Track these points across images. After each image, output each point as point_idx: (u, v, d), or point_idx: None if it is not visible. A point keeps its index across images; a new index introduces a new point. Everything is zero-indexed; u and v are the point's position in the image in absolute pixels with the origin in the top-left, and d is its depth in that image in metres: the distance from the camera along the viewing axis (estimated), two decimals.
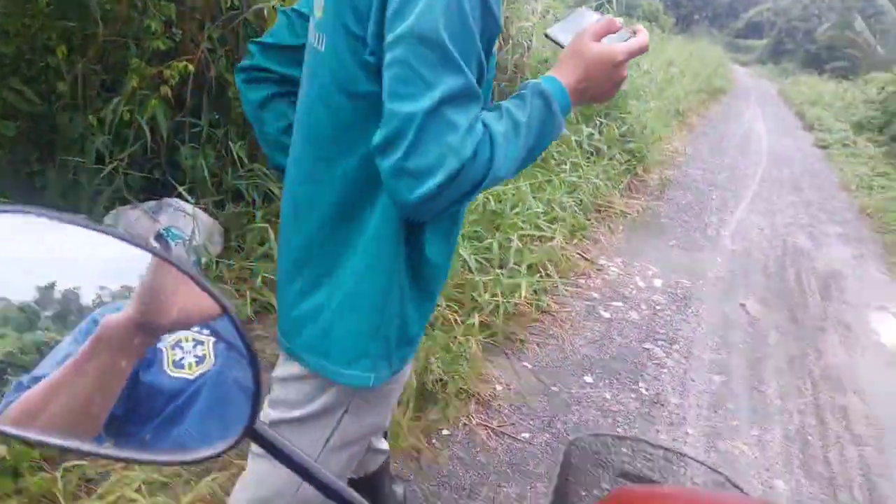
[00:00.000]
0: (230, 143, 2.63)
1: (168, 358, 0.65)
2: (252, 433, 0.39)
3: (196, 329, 0.70)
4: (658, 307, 3.28)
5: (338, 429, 0.89)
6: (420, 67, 0.65)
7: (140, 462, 0.43)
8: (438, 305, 2.48)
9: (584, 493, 0.99)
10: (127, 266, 0.53)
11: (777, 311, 3.48)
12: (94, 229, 0.43)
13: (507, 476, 1.96)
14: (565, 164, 4.10)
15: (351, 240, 0.80)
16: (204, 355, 0.68)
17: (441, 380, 2.16)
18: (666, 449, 1.07)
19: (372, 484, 1.43)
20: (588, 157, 4.62)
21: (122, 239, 0.43)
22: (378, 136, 0.69)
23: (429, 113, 0.65)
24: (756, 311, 3.45)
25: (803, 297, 3.73)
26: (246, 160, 2.66)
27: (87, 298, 0.53)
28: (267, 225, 2.50)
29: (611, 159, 4.85)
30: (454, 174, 0.66)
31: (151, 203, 2.41)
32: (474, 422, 2.14)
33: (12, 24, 2.11)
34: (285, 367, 0.90)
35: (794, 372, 2.89)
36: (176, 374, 0.65)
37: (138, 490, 1.40)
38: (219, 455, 0.40)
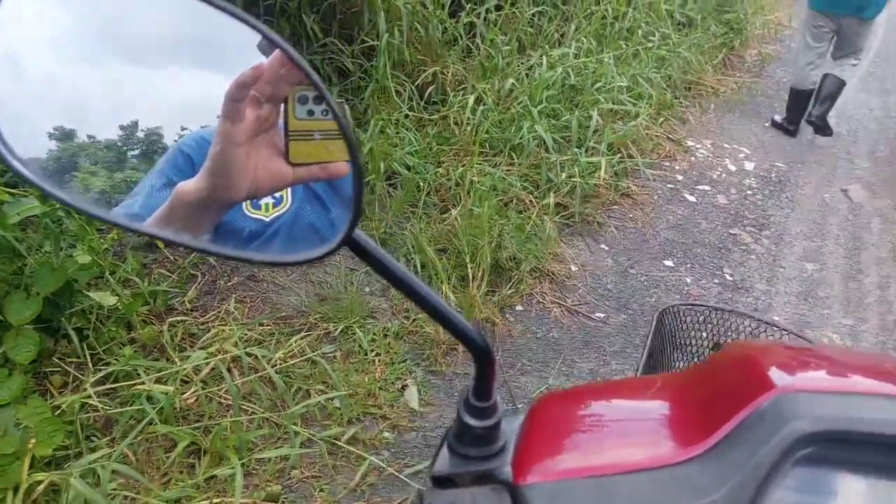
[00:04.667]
0: (304, 16, 2.53)
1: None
2: (351, 242, 0.38)
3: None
4: (749, 192, 3.06)
5: None
6: None
7: (243, 260, 0.43)
8: (512, 186, 2.42)
9: (675, 359, 0.97)
10: (207, 105, 0.50)
11: (883, 197, 3.18)
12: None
13: (581, 352, 1.97)
14: (653, 36, 3.73)
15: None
16: (281, 196, 0.66)
17: (514, 258, 2.15)
18: (760, 320, 1.02)
19: None
20: (679, 29, 4.19)
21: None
22: None
23: None
24: (859, 196, 3.17)
25: None
26: (320, 34, 2.57)
27: (168, 139, 0.52)
28: (342, 101, 2.45)
29: (705, 30, 4.38)
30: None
31: None
32: (548, 299, 2.14)
33: None
34: None
35: None
36: (253, 215, 0.64)
37: (235, 344, 1.51)
38: (318, 259, 0.40)
